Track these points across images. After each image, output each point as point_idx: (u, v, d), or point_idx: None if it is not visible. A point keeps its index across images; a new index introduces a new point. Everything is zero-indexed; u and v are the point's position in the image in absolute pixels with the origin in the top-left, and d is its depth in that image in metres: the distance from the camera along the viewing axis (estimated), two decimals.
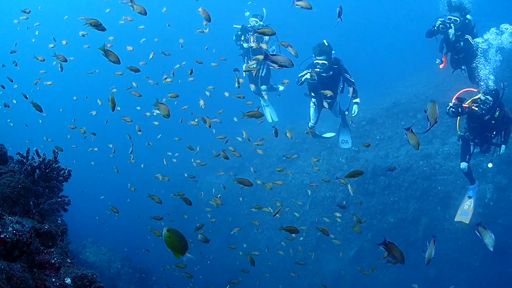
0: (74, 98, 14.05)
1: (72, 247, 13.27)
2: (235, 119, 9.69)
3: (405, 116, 15.10)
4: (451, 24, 9.60)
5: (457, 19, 9.59)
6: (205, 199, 14.24)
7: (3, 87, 8.51)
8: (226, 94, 9.92)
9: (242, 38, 11.29)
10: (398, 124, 14.97)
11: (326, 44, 8.90)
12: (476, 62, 9.48)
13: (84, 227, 16.55)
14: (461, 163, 9.24)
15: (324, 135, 11.12)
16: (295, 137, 16.11)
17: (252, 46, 10.39)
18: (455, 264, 12.44)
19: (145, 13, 5.69)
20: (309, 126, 10.47)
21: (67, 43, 9.75)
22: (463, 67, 10.39)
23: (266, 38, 11.17)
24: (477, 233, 5.81)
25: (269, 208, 8.29)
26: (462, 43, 9.81)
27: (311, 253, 11.34)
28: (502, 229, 12.07)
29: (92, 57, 15.13)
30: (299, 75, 9.10)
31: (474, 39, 9.71)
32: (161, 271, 13.46)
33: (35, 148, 2.74)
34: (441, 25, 9.69)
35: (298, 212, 13.04)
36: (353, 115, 9.76)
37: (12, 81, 9.41)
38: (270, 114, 12.81)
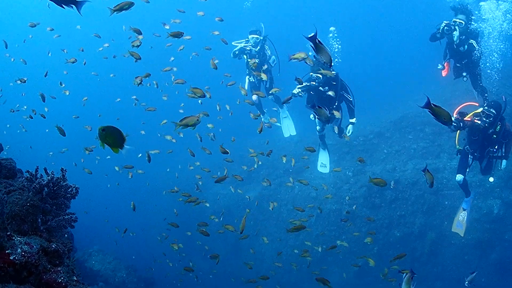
0: (84, 99, 14.30)
1: (78, 255, 13.33)
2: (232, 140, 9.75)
3: (413, 130, 15.08)
4: (456, 27, 9.53)
5: (462, 22, 9.54)
6: (210, 209, 14.31)
7: (31, 117, 8.82)
8: (227, 107, 10.03)
9: (246, 57, 11.38)
10: (405, 138, 14.95)
11: None
12: (480, 64, 9.55)
13: (91, 234, 16.64)
14: (457, 175, 9.13)
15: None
16: (303, 149, 16.12)
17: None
18: (461, 280, 12.31)
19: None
20: (317, 130, 10.51)
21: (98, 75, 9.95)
22: (464, 74, 10.29)
23: (268, 52, 11.26)
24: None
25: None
26: (466, 46, 9.72)
27: (312, 270, 11.35)
28: (509, 245, 12.00)
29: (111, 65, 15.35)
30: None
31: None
32: (166, 280, 13.52)
33: (44, 167, 2.83)
34: (445, 27, 9.61)
35: (304, 224, 13.02)
36: (348, 135, 9.65)
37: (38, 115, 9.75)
38: (288, 127, 12.84)
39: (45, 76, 9.49)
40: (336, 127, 10.04)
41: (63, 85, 10.62)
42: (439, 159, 13.56)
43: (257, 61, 10.52)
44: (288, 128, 12.90)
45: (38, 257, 2.00)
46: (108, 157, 13.49)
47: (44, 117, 9.14)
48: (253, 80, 11.74)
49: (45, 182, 2.88)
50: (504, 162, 8.69)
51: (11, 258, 1.86)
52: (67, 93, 10.52)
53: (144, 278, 13.86)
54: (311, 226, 13.39)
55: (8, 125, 21.26)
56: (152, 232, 15.84)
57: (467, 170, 9.15)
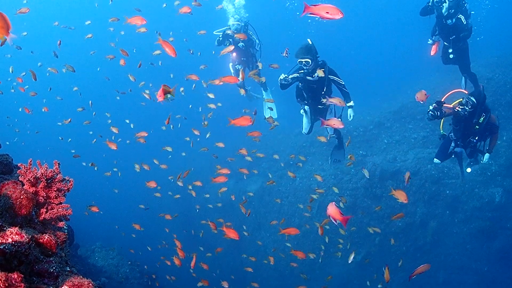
0: (80, 95, 14.28)
1: (81, 252, 13.39)
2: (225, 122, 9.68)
3: (413, 119, 15.07)
4: None
5: None
6: (211, 202, 14.35)
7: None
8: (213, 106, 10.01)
9: (227, 45, 11.25)
10: (406, 127, 14.94)
11: (310, 43, 8.35)
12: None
13: (94, 230, 16.70)
14: (435, 159, 9.01)
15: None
16: (303, 141, 16.14)
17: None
18: (464, 269, 12.38)
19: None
20: (303, 133, 9.96)
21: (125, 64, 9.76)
22: (450, 51, 10.20)
23: (254, 37, 11.13)
24: None
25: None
26: (454, 19, 9.68)
27: (304, 275, 11.38)
28: (511, 233, 12.01)
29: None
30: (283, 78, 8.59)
31: None
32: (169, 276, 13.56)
33: (37, 160, 2.82)
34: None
35: (305, 217, 13.08)
36: (350, 120, 9.10)
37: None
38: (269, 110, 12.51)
39: (19, 78, 9.56)
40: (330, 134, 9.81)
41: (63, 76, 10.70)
42: None
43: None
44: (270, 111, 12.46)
45: (29, 246, 2.01)
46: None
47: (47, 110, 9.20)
48: (239, 68, 11.57)
49: (39, 175, 2.90)
50: (486, 155, 8.39)
51: (0, 247, 1.88)
52: (59, 98, 10.69)
53: (148, 273, 13.91)
54: (312, 218, 13.44)
55: (17, 130, 21.47)
56: (154, 228, 15.89)
57: (448, 159, 9.02)
